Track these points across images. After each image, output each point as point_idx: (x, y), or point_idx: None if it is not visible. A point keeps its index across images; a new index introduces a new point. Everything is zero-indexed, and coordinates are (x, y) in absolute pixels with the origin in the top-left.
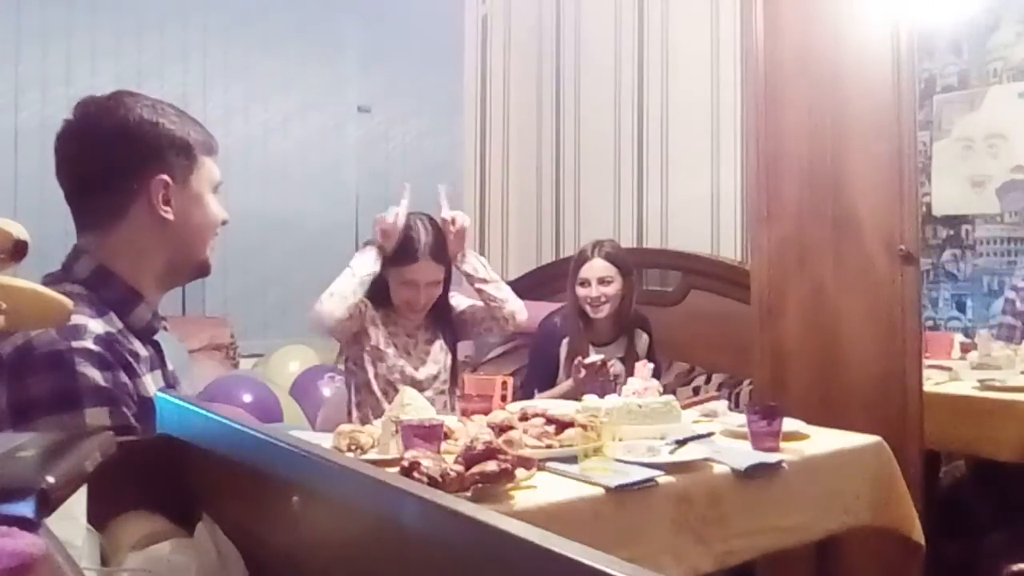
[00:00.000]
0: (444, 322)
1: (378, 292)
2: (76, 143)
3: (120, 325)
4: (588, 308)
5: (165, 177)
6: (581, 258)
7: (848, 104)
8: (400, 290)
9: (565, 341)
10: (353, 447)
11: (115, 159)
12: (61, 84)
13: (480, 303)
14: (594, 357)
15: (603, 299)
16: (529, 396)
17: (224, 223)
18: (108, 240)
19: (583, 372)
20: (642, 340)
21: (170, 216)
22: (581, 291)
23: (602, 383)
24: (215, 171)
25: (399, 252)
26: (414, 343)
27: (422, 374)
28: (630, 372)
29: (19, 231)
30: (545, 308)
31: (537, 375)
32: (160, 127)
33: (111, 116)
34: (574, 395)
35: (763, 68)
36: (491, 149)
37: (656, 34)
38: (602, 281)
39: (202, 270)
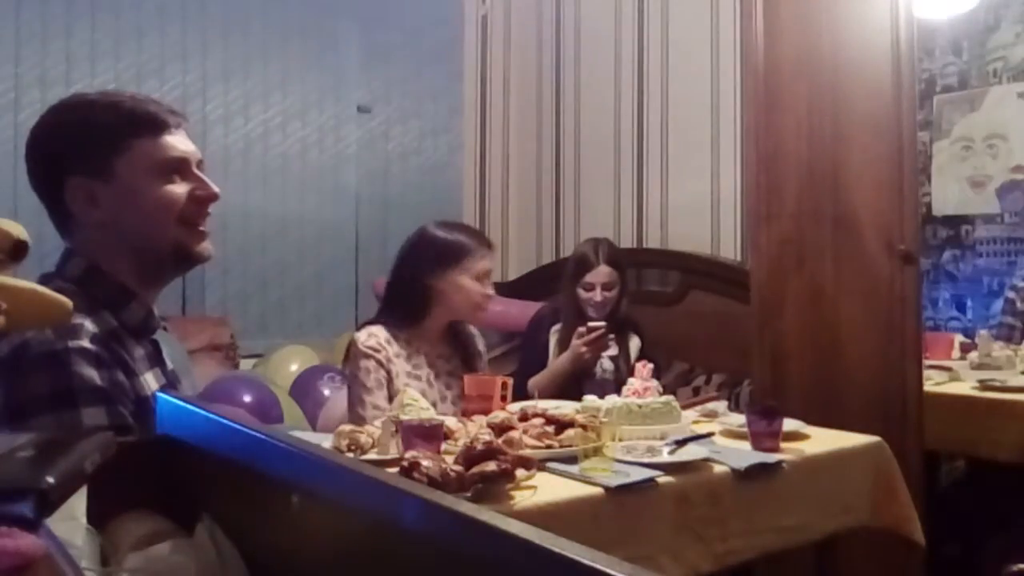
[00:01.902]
0: (464, 348)
1: (412, 311)
2: (26, 159)
3: (114, 324)
4: (591, 310)
5: (78, 178)
6: (585, 263)
7: (848, 104)
8: (471, 290)
9: (554, 328)
10: (353, 447)
11: (40, 171)
12: (61, 84)
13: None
14: (596, 323)
15: (606, 302)
16: (522, 384)
17: (212, 199)
18: (84, 241)
19: (587, 337)
20: (634, 342)
21: (102, 215)
22: (584, 294)
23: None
24: (161, 150)
25: (468, 246)
26: (435, 374)
27: (441, 409)
28: (624, 371)
29: (19, 231)
30: None
31: (528, 362)
32: (74, 125)
33: (42, 127)
34: (571, 367)
35: (763, 68)
36: (491, 149)
37: (656, 34)
38: (606, 286)
39: (182, 257)
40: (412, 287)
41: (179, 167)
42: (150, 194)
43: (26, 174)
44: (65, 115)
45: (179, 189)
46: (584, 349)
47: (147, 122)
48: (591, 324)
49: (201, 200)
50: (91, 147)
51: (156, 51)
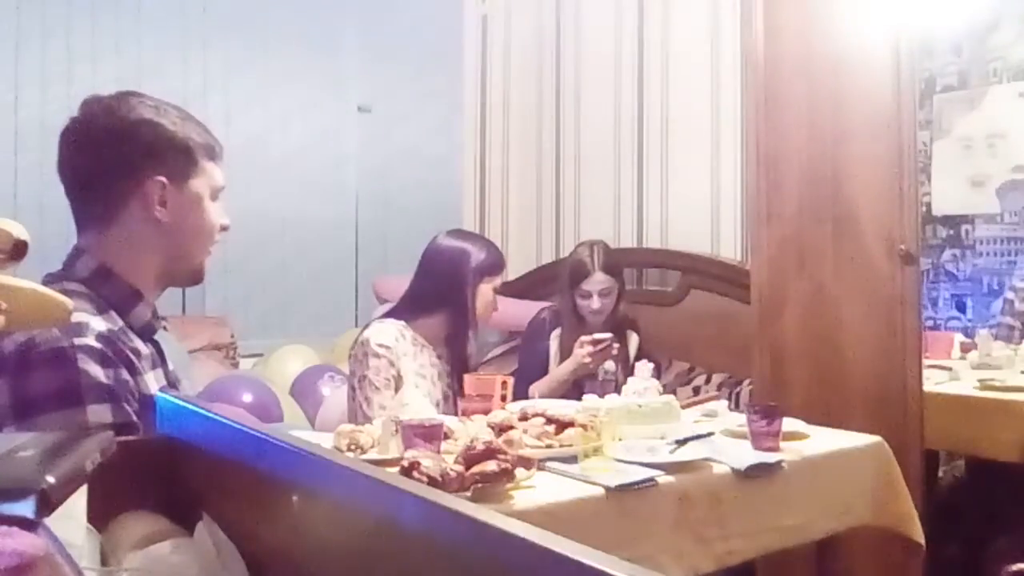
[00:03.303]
0: (457, 353)
1: (434, 311)
2: (76, 141)
3: (121, 323)
4: (588, 316)
5: (161, 178)
6: (581, 270)
7: (848, 104)
8: (489, 301)
9: (554, 334)
10: (353, 447)
11: (112, 158)
12: (61, 83)
13: None
14: (602, 335)
15: (604, 309)
16: (521, 388)
17: (224, 229)
18: (107, 239)
19: (591, 349)
20: (633, 340)
21: (165, 218)
22: (582, 301)
23: (603, 371)
24: (217, 176)
25: (497, 264)
26: (437, 373)
27: (444, 409)
28: (623, 372)
29: (19, 231)
30: None
31: (528, 369)
32: (159, 128)
33: (112, 115)
34: (574, 375)
35: (763, 68)
36: (491, 149)
37: (656, 34)
38: (602, 293)
39: (195, 277)
40: (445, 290)
41: (218, 195)
42: (207, 212)
43: (55, 166)
44: (161, 118)
45: (219, 214)
46: (588, 360)
47: (214, 148)
48: (596, 336)
49: (221, 229)
50: (180, 154)
51: (156, 51)
